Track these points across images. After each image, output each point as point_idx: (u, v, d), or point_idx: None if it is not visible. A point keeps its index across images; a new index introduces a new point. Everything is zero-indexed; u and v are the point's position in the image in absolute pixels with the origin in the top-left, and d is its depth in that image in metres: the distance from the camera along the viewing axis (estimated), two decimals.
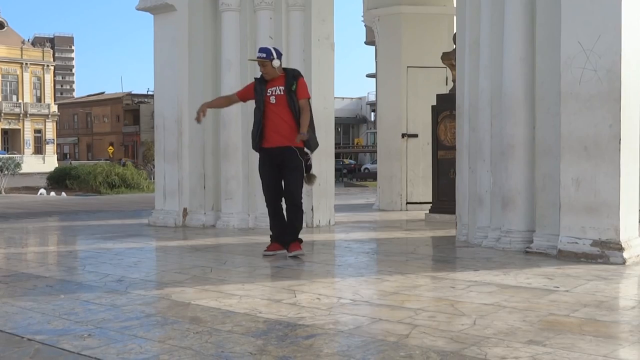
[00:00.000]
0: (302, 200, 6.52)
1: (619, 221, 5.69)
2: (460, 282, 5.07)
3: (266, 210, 8.79)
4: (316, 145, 6.51)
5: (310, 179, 6.57)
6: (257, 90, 6.49)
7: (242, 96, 6.80)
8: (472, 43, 7.18)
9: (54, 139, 71.36)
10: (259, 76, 6.61)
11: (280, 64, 6.45)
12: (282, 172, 6.42)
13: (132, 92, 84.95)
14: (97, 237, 8.33)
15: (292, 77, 6.40)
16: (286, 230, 6.50)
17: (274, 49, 6.58)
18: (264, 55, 6.40)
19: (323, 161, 9.10)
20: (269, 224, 6.69)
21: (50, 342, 3.52)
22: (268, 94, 6.39)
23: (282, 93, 6.36)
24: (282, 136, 6.33)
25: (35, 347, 3.46)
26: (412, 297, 4.55)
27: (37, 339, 3.60)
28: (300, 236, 6.46)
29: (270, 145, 6.38)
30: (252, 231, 8.60)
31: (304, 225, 8.82)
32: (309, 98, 6.46)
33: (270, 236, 6.62)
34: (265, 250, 6.54)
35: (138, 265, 6.17)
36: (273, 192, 6.52)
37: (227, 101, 7.26)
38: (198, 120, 6.70)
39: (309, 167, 6.50)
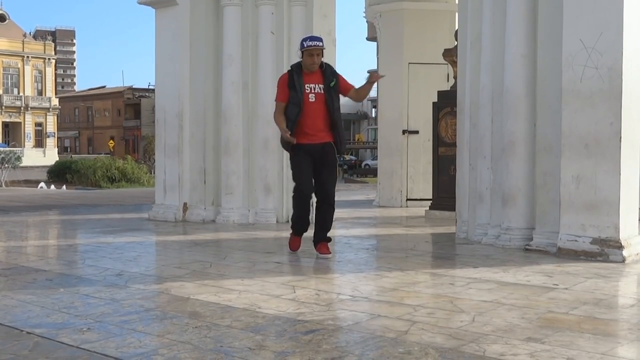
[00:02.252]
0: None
1: (619, 219, 5.69)
2: (460, 279, 5.08)
3: (266, 205, 8.88)
4: (345, 147, 6.33)
5: None
6: (293, 85, 6.05)
7: (285, 98, 6.12)
8: (474, 40, 7.17)
9: (54, 133, 71.36)
10: (284, 70, 6.40)
11: None
12: (318, 168, 6.15)
13: (133, 86, 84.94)
14: (97, 231, 8.33)
15: (331, 74, 6.13)
16: (307, 227, 6.40)
17: None
18: (321, 43, 6.07)
19: None
20: (292, 219, 6.48)
21: (49, 336, 3.53)
22: (307, 91, 6.05)
23: (321, 92, 6.07)
24: (323, 132, 6.10)
25: (34, 341, 3.46)
26: (412, 293, 4.55)
27: (36, 332, 3.60)
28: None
29: (312, 142, 6.07)
30: (252, 226, 8.60)
31: None
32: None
33: (294, 230, 6.42)
34: (290, 246, 6.42)
35: (138, 259, 6.18)
36: (309, 190, 6.25)
37: (282, 111, 6.16)
38: (290, 140, 6.09)
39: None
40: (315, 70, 6.09)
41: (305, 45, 6.06)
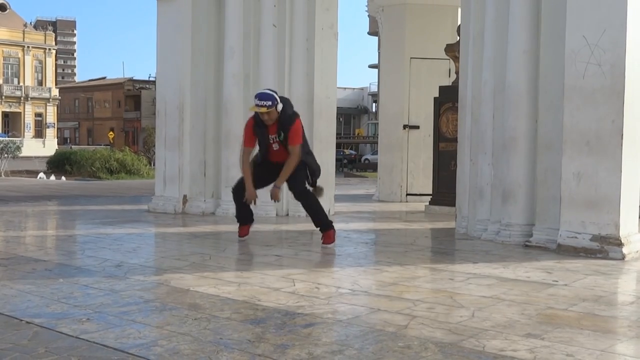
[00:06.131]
0: (306, 189, 6.39)
1: (619, 217, 5.69)
2: (459, 274, 5.07)
3: (266, 199, 8.74)
4: (318, 171, 6.43)
5: (318, 192, 6.55)
6: (257, 133, 6.31)
7: (252, 143, 6.42)
8: (476, 35, 7.15)
9: (54, 123, 71.28)
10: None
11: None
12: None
13: (134, 78, 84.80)
14: (97, 222, 8.33)
15: (282, 126, 6.20)
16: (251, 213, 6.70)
17: (272, 91, 6.37)
18: (269, 103, 6.11)
19: (324, 151, 9.08)
20: (236, 212, 6.73)
21: (48, 326, 3.52)
22: (270, 141, 6.28)
23: (279, 142, 6.26)
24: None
25: (33, 330, 3.46)
26: (411, 288, 4.55)
27: (36, 322, 3.60)
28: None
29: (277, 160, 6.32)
30: None
31: (303, 214, 8.83)
32: (300, 144, 6.26)
33: (239, 220, 6.69)
34: (239, 236, 6.63)
35: (137, 250, 6.17)
36: (235, 187, 6.57)
37: (248, 158, 6.47)
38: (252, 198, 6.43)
39: (314, 183, 6.47)
40: (275, 120, 6.22)
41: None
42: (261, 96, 6.18)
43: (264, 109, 6.10)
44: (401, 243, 6.97)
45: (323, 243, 6.32)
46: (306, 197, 6.40)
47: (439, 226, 8.27)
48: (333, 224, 6.46)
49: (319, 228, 6.43)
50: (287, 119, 6.22)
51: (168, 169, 9.54)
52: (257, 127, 6.30)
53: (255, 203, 6.47)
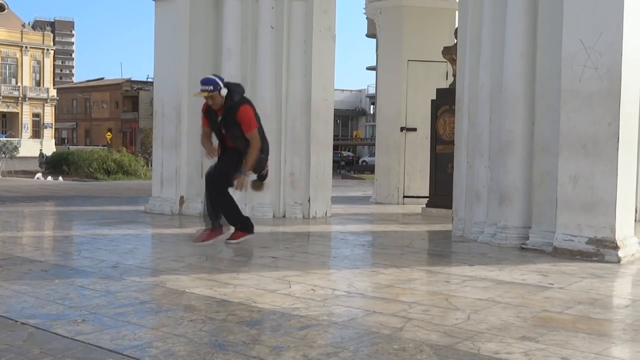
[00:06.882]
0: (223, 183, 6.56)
1: (615, 220, 5.70)
2: (455, 277, 5.08)
3: (263, 200, 8.87)
4: (262, 168, 6.52)
5: (257, 185, 6.65)
6: (209, 118, 6.42)
7: (208, 125, 6.55)
8: (474, 38, 7.16)
9: (52, 124, 71.23)
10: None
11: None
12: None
13: (132, 79, 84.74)
14: (93, 222, 8.32)
15: (227, 110, 6.26)
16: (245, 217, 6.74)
17: (217, 76, 6.43)
18: (211, 87, 6.18)
19: (321, 153, 9.09)
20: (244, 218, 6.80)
21: (43, 327, 3.52)
22: (220, 124, 6.36)
23: (223, 129, 6.35)
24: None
25: (28, 331, 3.45)
26: (407, 290, 4.56)
27: (31, 322, 3.60)
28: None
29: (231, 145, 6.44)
30: None
31: (300, 216, 8.86)
32: (256, 129, 6.33)
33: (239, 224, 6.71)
34: (227, 239, 6.61)
35: (133, 252, 6.17)
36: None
37: (208, 138, 6.67)
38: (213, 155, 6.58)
39: (264, 177, 6.57)
40: (219, 108, 6.30)
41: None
42: (204, 81, 6.32)
43: (205, 93, 6.21)
44: (397, 245, 6.97)
45: (228, 239, 6.48)
46: (215, 189, 6.51)
47: (436, 228, 8.27)
48: (249, 226, 6.59)
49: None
50: (233, 104, 6.29)
51: (165, 170, 9.54)
52: (208, 112, 6.40)
53: (214, 156, 6.53)
